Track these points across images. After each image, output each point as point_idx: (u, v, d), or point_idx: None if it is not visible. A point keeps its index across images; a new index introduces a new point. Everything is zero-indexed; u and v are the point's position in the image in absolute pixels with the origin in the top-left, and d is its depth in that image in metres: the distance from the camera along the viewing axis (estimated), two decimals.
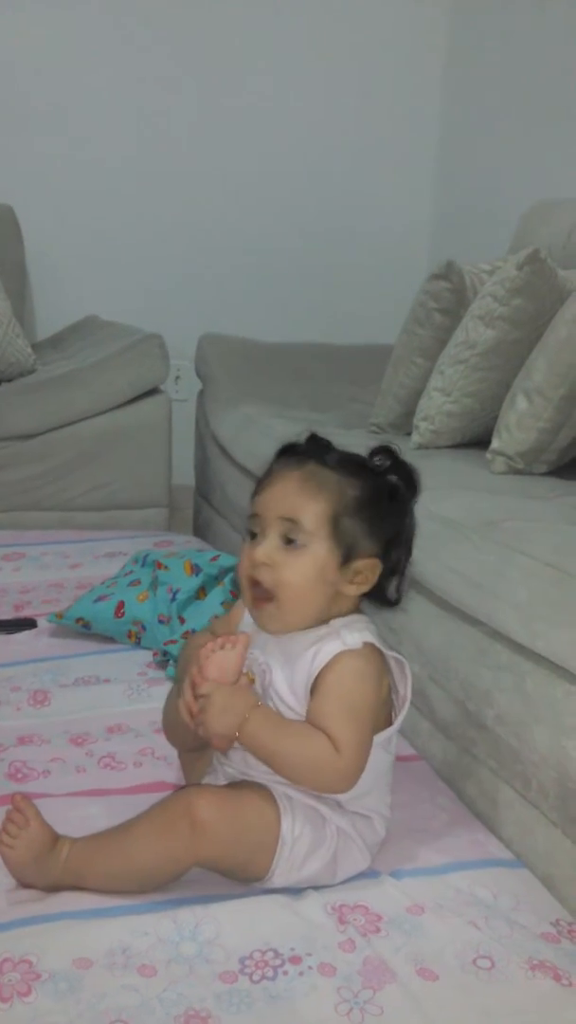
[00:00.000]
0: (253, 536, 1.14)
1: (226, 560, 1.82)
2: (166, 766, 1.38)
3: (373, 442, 1.20)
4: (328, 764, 1.08)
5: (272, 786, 1.13)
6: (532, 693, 1.26)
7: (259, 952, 1.04)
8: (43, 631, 1.83)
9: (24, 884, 1.13)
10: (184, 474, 2.82)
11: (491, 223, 2.86)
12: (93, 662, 1.71)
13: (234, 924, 1.08)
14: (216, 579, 1.79)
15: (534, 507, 1.59)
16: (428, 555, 1.43)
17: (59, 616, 1.81)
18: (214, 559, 1.83)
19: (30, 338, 2.88)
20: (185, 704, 1.12)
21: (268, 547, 1.11)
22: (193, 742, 1.20)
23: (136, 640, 1.77)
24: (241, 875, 1.13)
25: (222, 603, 1.72)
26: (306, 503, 1.11)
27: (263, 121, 3.20)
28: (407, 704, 1.17)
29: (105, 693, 1.60)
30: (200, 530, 2.72)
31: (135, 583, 1.83)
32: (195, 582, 1.77)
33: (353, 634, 1.13)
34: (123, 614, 1.77)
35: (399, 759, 1.25)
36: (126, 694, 1.60)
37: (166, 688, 1.45)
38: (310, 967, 1.03)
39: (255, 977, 1.01)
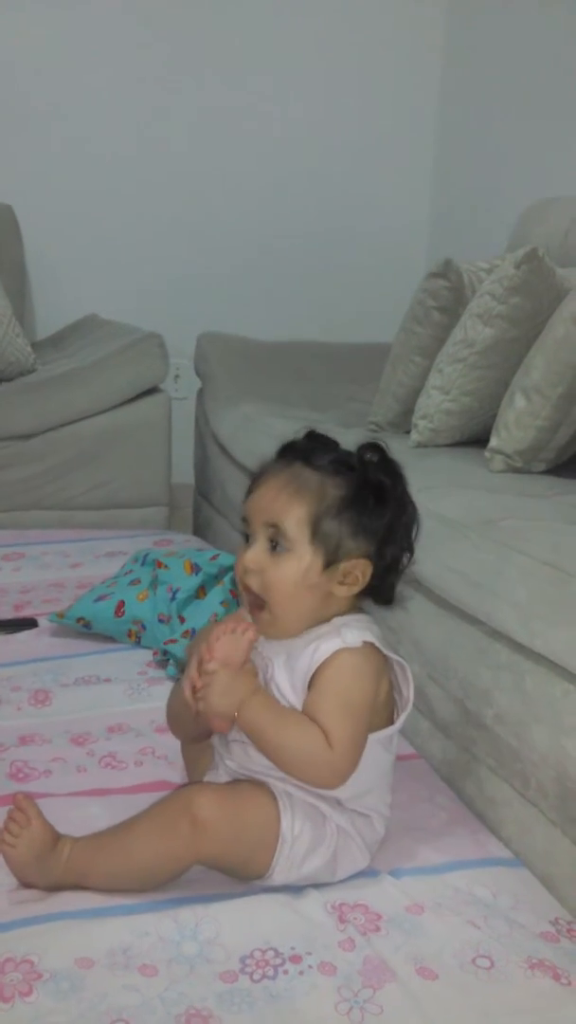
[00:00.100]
0: (247, 539, 1.14)
1: (226, 559, 1.83)
2: (167, 765, 1.38)
3: (362, 439, 1.19)
4: (320, 758, 1.09)
5: (272, 783, 1.14)
6: (531, 692, 1.27)
7: (259, 951, 1.05)
8: (44, 631, 1.83)
9: (26, 884, 1.13)
10: (184, 473, 2.82)
11: (489, 221, 2.86)
12: (94, 662, 1.71)
13: (234, 923, 1.08)
14: (216, 578, 1.79)
15: (533, 505, 1.59)
16: (427, 554, 1.43)
17: (60, 616, 1.82)
18: (214, 558, 1.83)
19: (30, 337, 2.88)
20: (189, 678, 1.12)
21: (255, 552, 1.12)
22: (194, 732, 1.21)
23: (136, 639, 1.78)
24: (242, 873, 1.14)
25: (222, 602, 1.73)
26: (286, 508, 1.11)
27: (262, 120, 3.20)
28: (410, 706, 1.17)
29: (106, 693, 1.60)
30: (200, 529, 2.72)
31: (135, 582, 1.84)
32: (195, 581, 1.77)
33: (353, 632, 1.13)
34: (123, 613, 1.77)
35: (399, 758, 1.25)
36: (127, 693, 1.60)
37: (167, 687, 1.45)
38: (310, 966, 1.03)
39: (256, 976, 1.02)
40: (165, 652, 1.69)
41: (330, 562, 1.11)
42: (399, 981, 1.03)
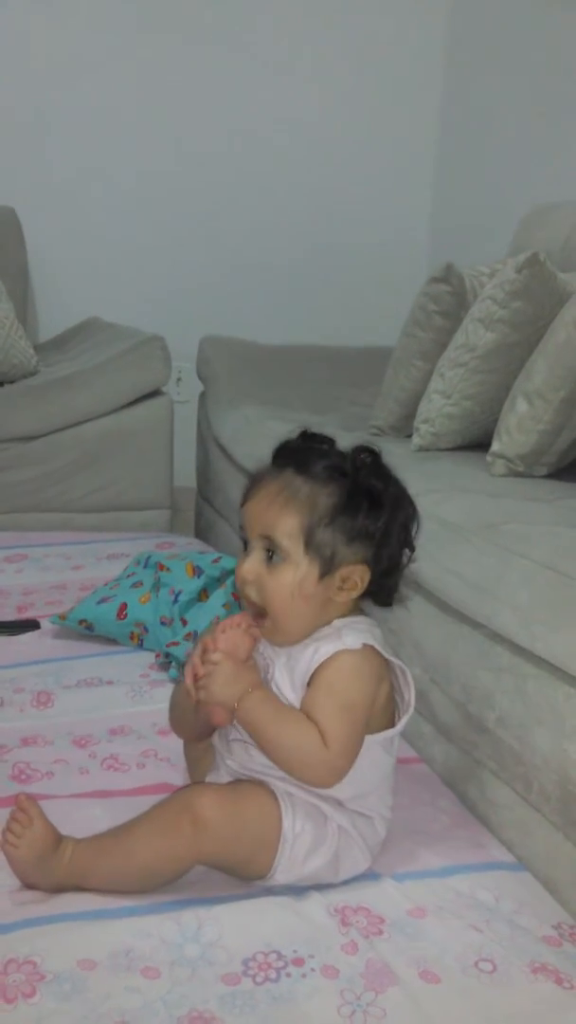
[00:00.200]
0: (246, 544, 1.15)
1: (228, 562, 1.83)
2: (169, 767, 1.39)
3: (358, 442, 1.18)
4: (316, 756, 1.09)
5: (273, 783, 1.14)
6: (533, 696, 1.27)
7: (262, 954, 1.05)
8: (46, 633, 1.83)
9: (28, 885, 1.13)
10: (186, 476, 2.82)
11: (491, 226, 2.86)
12: (96, 664, 1.71)
13: (237, 926, 1.08)
14: (218, 581, 1.80)
15: (534, 510, 1.59)
16: (428, 557, 1.44)
17: (62, 618, 1.82)
18: (216, 561, 1.84)
19: (32, 340, 2.89)
20: (192, 666, 1.12)
21: (251, 563, 1.12)
22: (195, 727, 1.21)
23: (138, 642, 1.78)
24: (243, 873, 1.14)
25: (224, 605, 1.73)
26: (278, 520, 1.11)
27: (264, 123, 3.21)
28: (411, 709, 1.17)
29: (108, 695, 1.60)
30: (202, 532, 2.72)
31: (137, 585, 1.84)
32: (197, 584, 1.78)
33: (354, 635, 1.13)
34: (125, 616, 1.77)
35: (401, 762, 1.25)
36: (129, 696, 1.60)
37: (168, 690, 1.45)
38: (313, 969, 1.04)
39: (258, 979, 1.02)
40: (167, 654, 1.69)
41: (326, 571, 1.11)
42: (401, 984, 1.03)
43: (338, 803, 1.15)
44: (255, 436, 2.24)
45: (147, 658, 1.74)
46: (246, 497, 1.15)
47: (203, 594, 1.77)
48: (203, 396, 2.76)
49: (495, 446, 1.83)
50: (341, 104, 3.26)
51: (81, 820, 1.22)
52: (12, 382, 2.63)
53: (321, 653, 1.12)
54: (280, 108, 3.21)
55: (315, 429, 1.19)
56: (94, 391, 2.52)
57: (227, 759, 1.19)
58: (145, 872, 1.11)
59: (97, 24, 3.03)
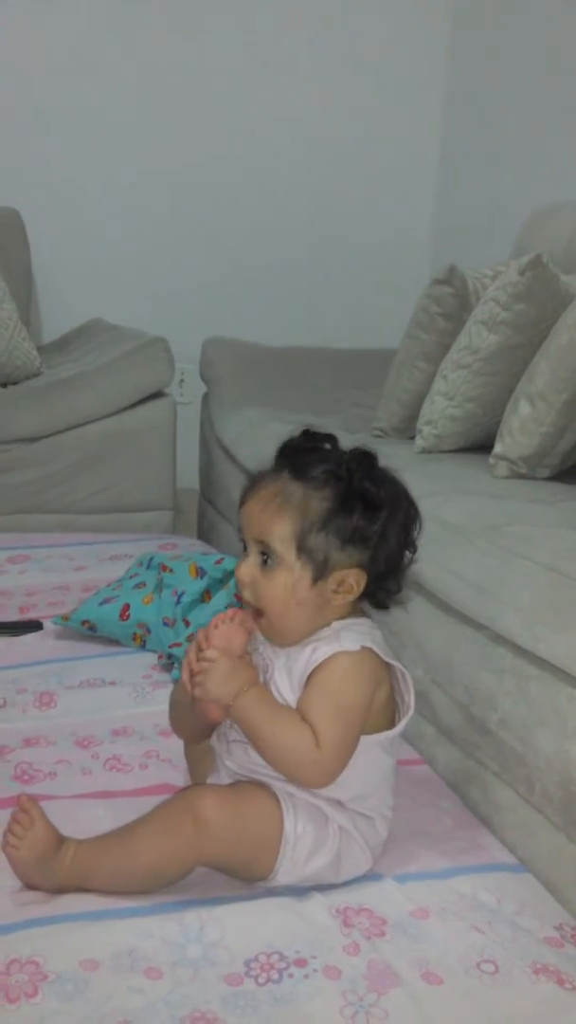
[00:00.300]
0: (246, 546, 1.15)
1: (230, 563, 1.83)
2: (172, 768, 1.39)
3: (356, 445, 1.18)
4: (307, 756, 1.09)
5: (274, 784, 1.14)
6: (536, 697, 1.27)
7: (264, 955, 1.05)
8: (49, 633, 1.84)
9: (29, 885, 1.14)
10: (189, 477, 2.82)
11: (494, 228, 2.86)
12: (99, 664, 1.72)
13: (239, 926, 1.08)
14: (220, 582, 1.80)
15: (537, 511, 1.59)
16: (431, 559, 1.44)
17: (65, 618, 1.82)
18: (218, 562, 1.84)
19: (36, 341, 2.89)
20: (188, 662, 1.13)
21: (248, 566, 1.13)
22: (194, 725, 1.21)
23: (141, 643, 1.78)
24: (245, 874, 1.14)
25: (226, 606, 1.73)
26: (271, 525, 1.11)
27: (267, 125, 3.21)
28: (411, 711, 1.17)
29: (111, 695, 1.60)
30: (204, 533, 2.72)
31: (140, 586, 1.84)
32: (200, 585, 1.78)
33: (352, 637, 1.13)
34: (128, 617, 1.78)
35: (403, 763, 1.25)
36: (131, 696, 1.60)
37: (171, 691, 1.46)
38: (315, 970, 1.04)
39: (260, 980, 1.02)
40: (170, 655, 1.69)
41: (319, 575, 1.11)
42: (404, 986, 1.03)
43: (339, 804, 1.15)
44: (258, 437, 2.24)
45: (150, 659, 1.74)
46: (243, 500, 1.16)
47: (206, 595, 1.77)
48: (206, 398, 2.76)
49: (498, 448, 1.83)
50: (343, 105, 3.26)
51: (83, 821, 1.22)
52: (15, 383, 2.63)
53: (319, 654, 1.13)
54: (282, 109, 3.21)
55: (313, 426, 1.18)
56: (97, 392, 2.52)
57: (226, 760, 1.19)
58: (147, 873, 1.11)
59: (102, 28, 3.03)
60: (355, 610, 1.17)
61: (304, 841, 1.13)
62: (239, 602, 1.67)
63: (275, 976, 1.03)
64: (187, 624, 1.73)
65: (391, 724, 1.18)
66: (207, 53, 3.12)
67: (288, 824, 1.12)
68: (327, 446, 1.15)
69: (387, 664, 1.16)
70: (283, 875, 1.13)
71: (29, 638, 1.82)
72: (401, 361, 2.18)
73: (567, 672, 1.22)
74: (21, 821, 1.12)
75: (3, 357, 2.61)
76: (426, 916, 1.13)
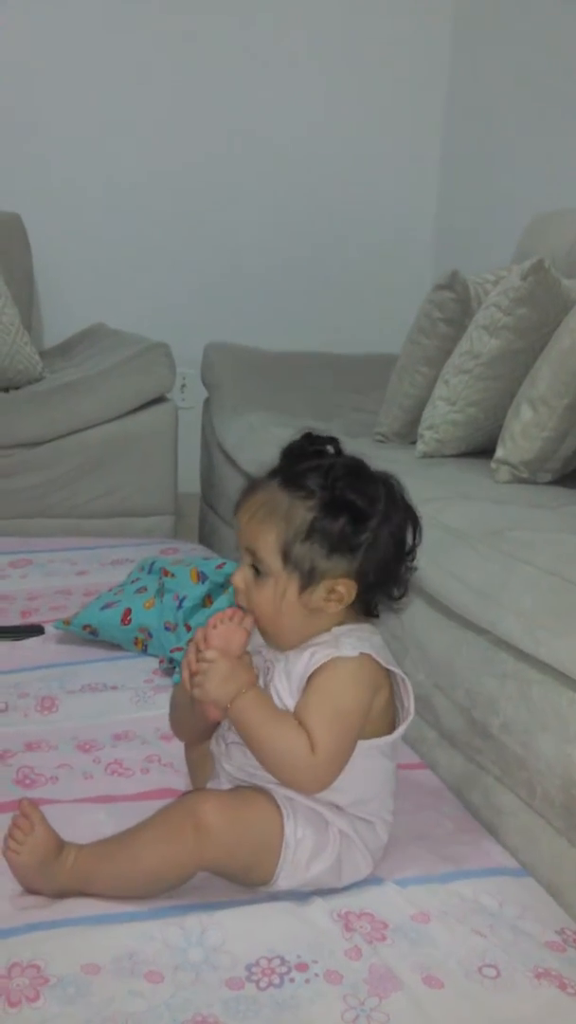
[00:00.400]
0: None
1: (232, 567, 1.83)
2: (173, 773, 1.39)
3: (354, 451, 1.17)
4: (302, 761, 1.09)
5: (274, 789, 1.14)
6: (537, 701, 1.27)
7: (265, 959, 1.05)
8: (50, 638, 1.84)
9: (30, 890, 1.13)
10: (190, 482, 2.83)
11: (495, 233, 2.87)
12: (100, 669, 1.72)
13: (240, 931, 1.08)
14: (222, 587, 1.80)
15: (538, 516, 1.60)
16: (432, 563, 1.44)
17: (66, 623, 1.82)
18: (220, 566, 1.84)
19: (37, 346, 2.89)
20: (187, 662, 1.13)
21: (241, 574, 1.14)
22: (194, 726, 1.22)
23: (143, 647, 1.78)
24: (246, 879, 1.14)
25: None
26: (258, 535, 1.12)
27: (268, 131, 3.22)
28: (410, 717, 1.17)
29: (112, 700, 1.60)
30: (206, 537, 2.72)
31: (142, 590, 1.84)
32: (201, 589, 1.78)
33: (351, 642, 1.13)
34: (130, 621, 1.78)
35: (404, 767, 1.25)
36: (133, 701, 1.60)
37: (171, 694, 1.46)
38: (316, 974, 1.04)
39: (262, 984, 1.02)
40: (171, 660, 1.69)
41: (306, 584, 1.11)
42: (405, 990, 1.03)
43: (339, 808, 1.15)
44: (259, 442, 2.24)
45: (151, 663, 1.74)
46: (237, 508, 1.16)
47: (207, 599, 1.77)
48: (207, 402, 2.76)
49: (499, 452, 1.83)
50: (344, 107, 3.27)
51: (85, 825, 1.22)
52: (17, 388, 2.64)
53: (317, 658, 1.13)
54: (282, 110, 3.21)
55: (315, 430, 1.18)
56: (99, 397, 2.53)
57: (225, 763, 1.19)
58: (148, 878, 1.11)
59: (103, 33, 3.04)
60: (355, 615, 1.17)
61: (304, 846, 1.13)
62: (240, 606, 1.68)
63: (276, 980, 1.02)
64: (188, 628, 1.72)
65: (391, 729, 1.18)
66: (207, 53, 3.13)
67: (288, 829, 1.12)
68: (329, 449, 1.15)
69: (387, 669, 1.16)
70: (284, 880, 1.13)
71: (31, 642, 1.82)
72: (403, 366, 2.18)
73: (568, 676, 1.22)
74: (22, 826, 1.12)
75: (5, 362, 2.61)
76: (427, 920, 1.13)
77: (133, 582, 1.89)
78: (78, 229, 3.13)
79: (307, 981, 1.03)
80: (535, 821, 1.28)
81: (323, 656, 1.12)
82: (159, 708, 1.53)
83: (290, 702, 1.14)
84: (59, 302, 3.14)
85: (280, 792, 1.14)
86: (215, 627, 1.13)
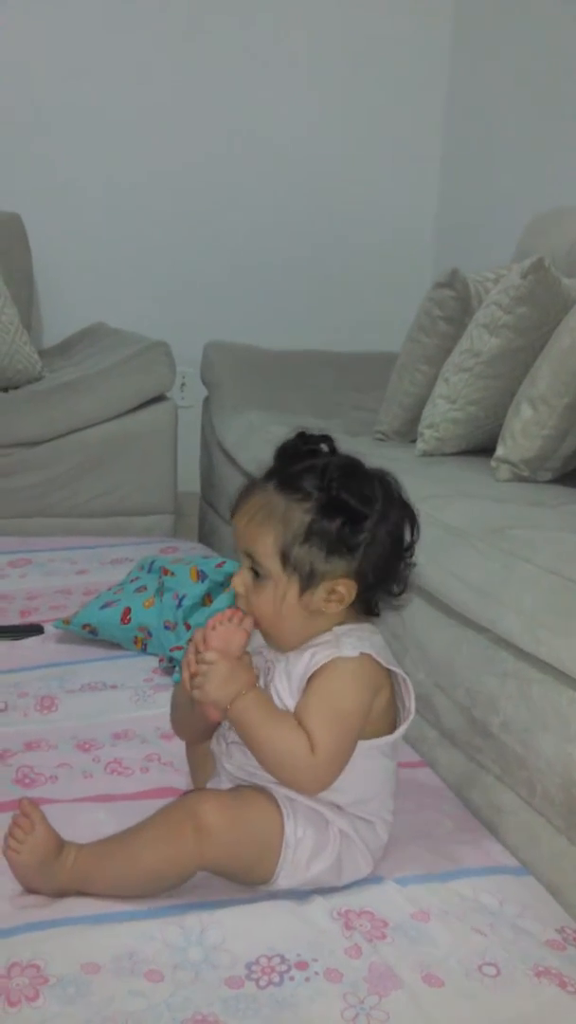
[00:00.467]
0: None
1: (231, 566, 1.83)
2: (173, 772, 1.39)
3: (352, 451, 1.17)
4: (302, 761, 1.09)
5: (274, 789, 1.14)
6: (538, 700, 1.27)
7: (265, 958, 1.05)
8: (50, 637, 1.84)
9: (30, 889, 1.13)
10: (190, 480, 2.82)
11: (496, 232, 2.86)
12: (100, 668, 1.72)
13: (240, 929, 1.08)
14: (222, 585, 1.80)
15: (539, 515, 1.59)
16: (432, 562, 1.44)
17: (66, 622, 1.82)
18: (220, 565, 1.84)
19: (37, 345, 2.89)
20: (186, 663, 1.13)
21: (241, 577, 1.14)
22: (194, 725, 1.22)
23: (142, 646, 1.78)
24: (246, 879, 1.14)
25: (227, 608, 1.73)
26: (256, 538, 1.11)
27: (268, 129, 3.22)
28: (411, 717, 1.17)
29: (112, 699, 1.60)
30: (206, 536, 2.72)
31: (141, 589, 1.84)
32: (201, 588, 1.78)
33: (352, 643, 1.13)
34: (129, 620, 1.77)
35: (404, 766, 1.25)
36: (133, 700, 1.60)
37: (172, 693, 1.46)
38: (316, 973, 1.04)
39: (261, 983, 1.02)
40: (171, 659, 1.69)
41: (306, 586, 1.11)
42: (405, 988, 1.03)
43: (339, 808, 1.15)
44: (259, 441, 2.24)
45: (151, 662, 1.74)
46: (233, 511, 1.16)
47: (207, 598, 1.77)
48: (207, 401, 2.76)
49: (500, 451, 1.83)
50: (344, 106, 3.27)
51: (85, 824, 1.22)
52: (17, 387, 2.64)
53: (317, 659, 1.13)
54: (282, 110, 3.21)
55: (308, 429, 1.18)
56: (98, 396, 2.53)
57: (225, 763, 1.19)
58: (148, 878, 1.11)
59: (103, 32, 3.04)
60: (356, 615, 1.17)
61: (305, 845, 1.13)
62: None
63: (276, 979, 1.02)
64: (188, 628, 1.72)
65: (392, 729, 1.17)
66: (207, 53, 3.13)
67: (289, 829, 1.12)
68: (323, 448, 1.15)
69: (387, 669, 1.16)
70: (284, 879, 1.13)
71: (30, 642, 1.82)
72: (403, 364, 2.18)
73: (569, 675, 1.22)
74: (22, 825, 1.12)
75: (4, 361, 2.61)
76: (427, 919, 1.13)
77: (132, 581, 1.89)
78: (78, 229, 3.13)
79: (307, 980, 1.03)
80: (535, 820, 1.28)
81: (324, 657, 1.12)
82: (159, 707, 1.53)
83: (290, 702, 1.13)
84: (59, 301, 3.14)
85: (280, 792, 1.14)
86: (214, 628, 1.13)
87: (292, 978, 1.03)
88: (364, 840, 1.17)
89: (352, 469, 1.14)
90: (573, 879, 1.21)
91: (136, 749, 1.45)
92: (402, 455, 1.98)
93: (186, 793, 1.20)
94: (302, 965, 1.04)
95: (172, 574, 1.82)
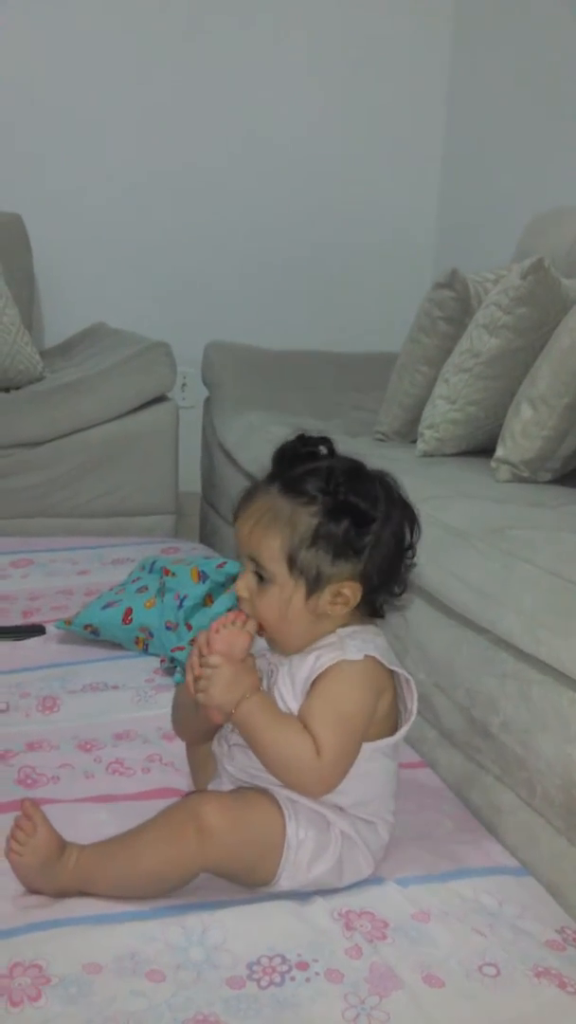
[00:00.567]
0: None
1: (233, 567, 1.83)
2: (174, 772, 1.39)
3: (352, 452, 1.17)
4: (307, 764, 1.09)
5: (275, 790, 1.14)
6: (537, 701, 1.27)
7: (266, 958, 1.05)
8: (52, 637, 1.84)
9: (32, 890, 1.13)
10: (191, 481, 2.83)
11: (496, 232, 2.87)
12: (101, 668, 1.72)
13: (241, 930, 1.09)
14: (223, 586, 1.80)
15: (538, 515, 1.60)
16: (432, 562, 1.44)
17: (67, 622, 1.82)
18: (221, 566, 1.84)
19: (38, 346, 2.90)
20: (190, 667, 1.13)
21: (244, 581, 1.14)
22: (197, 727, 1.22)
23: (144, 647, 1.78)
24: (248, 880, 1.14)
25: (229, 609, 1.73)
26: (260, 542, 1.11)
27: (269, 130, 3.22)
28: (413, 718, 1.17)
29: (113, 699, 1.61)
30: (207, 537, 2.73)
31: (143, 590, 1.84)
32: (202, 589, 1.78)
33: (356, 645, 1.13)
34: (131, 621, 1.78)
35: (405, 767, 1.25)
36: (134, 700, 1.61)
37: (173, 694, 1.46)
38: (317, 973, 1.04)
39: (263, 983, 1.02)
40: (172, 659, 1.70)
41: (313, 590, 1.11)
42: (405, 988, 1.03)
43: (340, 809, 1.15)
44: (260, 441, 2.24)
45: (152, 663, 1.75)
46: (236, 515, 1.16)
47: (208, 599, 1.77)
48: (208, 401, 2.77)
49: (499, 451, 1.84)
50: (344, 106, 3.27)
51: (86, 824, 1.22)
52: (18, 388, 2.64)
53: (322, 662, 1.13)
54: (282, 110, 3.21)
55: (308, 430, 1.18)
56: (100, 397, 2.53)
57: (227, 764, 1.19)
58: (150, 879, 1.11)
59: (103, 32, 3.04)
60: (360, 617, 1.17)
61: (306, 847, 1.13)
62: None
63: (277, 979, 1.03)
64: (189, 628, 1.73)
65: (393, 730, 1.18)
66: (207, 53, 3.13)
67: (290, 830, 1.12)
68: (322, 449, 1.15)
69: (391, 671, 1.16)
70: (285, 881, 1.13)
71: (32, 642, 1.82)
72: (403, 365, 2.18)
73: (568, 676, 1.22)
74: (24, 827, 1.12)
75: (6, 362, 2.62)
76: (428, 919, 1.13)
77: (134, 581, 1.89)
78: (78, 229, 3.14)
79: (308, 980, 1.03)
80: (535, 820, 1.28)
81: (328, 660, 1.13)
82: (160, 707, 1.53)
83: (294, 705, 1.14)
84: (59, 302, 3.15)
85: (282, 793, 1.14)
86: (218, 632, 1.13)
87: (293, 978, 1.03)
88: (365, 841, 1.17)
89: (356, 471, 1.14)
90: (573, 879, 1.21)
91: (138, 749, 1.46)
92: (402, 456, 1.98)
93: (188, 794, 1.21)
94: (303, 965, 1.05)
95: (173, 575, 1.82)
